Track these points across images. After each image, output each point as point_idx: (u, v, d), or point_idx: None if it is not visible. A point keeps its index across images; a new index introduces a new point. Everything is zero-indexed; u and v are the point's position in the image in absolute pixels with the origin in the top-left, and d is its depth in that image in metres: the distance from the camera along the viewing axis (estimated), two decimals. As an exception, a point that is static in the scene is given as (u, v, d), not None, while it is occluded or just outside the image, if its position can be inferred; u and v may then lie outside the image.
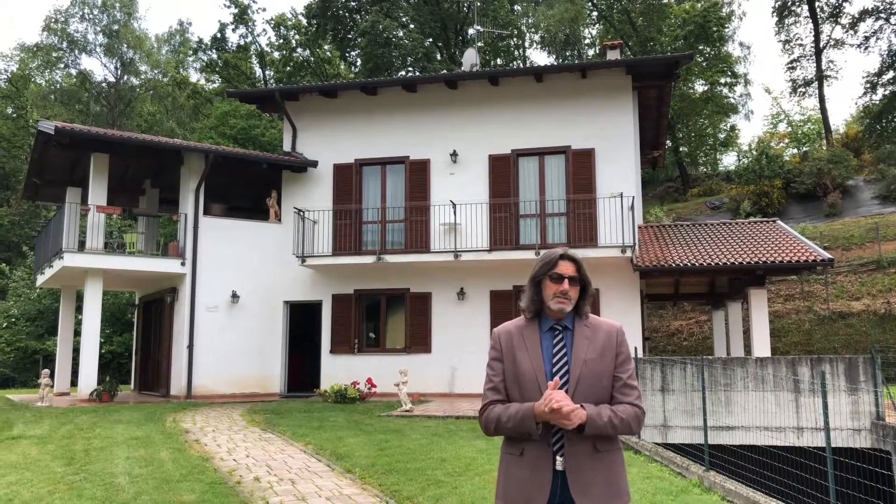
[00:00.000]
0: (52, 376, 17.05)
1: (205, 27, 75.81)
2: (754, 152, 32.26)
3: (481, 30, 34.63)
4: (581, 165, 16.51)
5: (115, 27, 51.20)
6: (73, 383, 18.56)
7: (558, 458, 2.60)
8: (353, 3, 38.63)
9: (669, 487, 7.33)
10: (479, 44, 37.01)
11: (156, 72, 53.03)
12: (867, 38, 35.22)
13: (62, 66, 51.54)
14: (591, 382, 2.63)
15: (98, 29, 51.28)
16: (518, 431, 2.62)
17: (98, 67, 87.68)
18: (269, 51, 43.59)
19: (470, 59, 20.40)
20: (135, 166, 18.43)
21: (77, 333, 18.54)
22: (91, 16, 50.99)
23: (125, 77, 52.43)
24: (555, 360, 2.67)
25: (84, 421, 11.77)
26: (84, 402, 15.11)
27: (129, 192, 20.10)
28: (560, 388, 2.62)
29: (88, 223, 16.00)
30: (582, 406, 2.54)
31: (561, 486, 2.61)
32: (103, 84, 51.95)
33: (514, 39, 42.75)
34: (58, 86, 51.21)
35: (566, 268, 2.71)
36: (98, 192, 16.23)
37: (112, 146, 16.33)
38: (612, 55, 18.67)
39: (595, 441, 2.62)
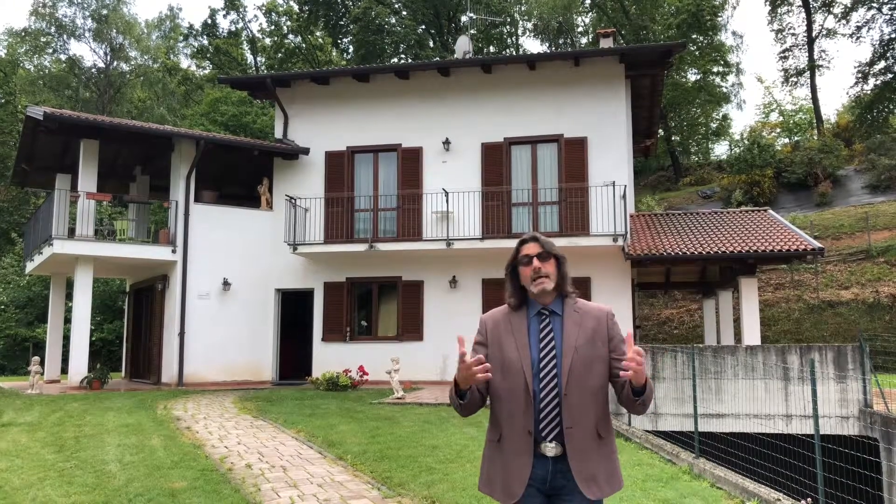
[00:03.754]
0: (42, 364, 16.97)
1: (195, 13, 75.11)
2: (746, 142, 32.32)
3: (474, 17, 34.49)
4: (573, 154, 16.50)
5: (105, 12, 50.60)
6: (64, 371, 18.49)
7: (549, 444, 2.59)
8: (345, -10, 38.40)
9: (660, 474, 7.38)
10: (472, 31, 36.88)
11: (146, 58, 52.50)
12: (859, 28, 35.30)
13: (51, 51, 50.94)
14: (583, 369, 2.61)
15: (87, 14, 50.69)
16: (452, 401, 2.71)
17: (87, 53, 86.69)
18: (261, 37, 43.24)
19: (462, 46, 20.28)
20: (125, 153, 18.30)
21: (67, 321, 18.45)
22: (79, 0, 50.39)
23: (115, 63, 51.88)
24: (542, 346, 2.66)
25: (75, 408, 11.73)
26: (75, 389, 15.07)
27: (120, 178, 19.97)
28: (550, 374, 2.62)
29: (78, 210, 15.89)
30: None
31: (552, 473, 2.59)
32: (93, 70, 51.41)
33: (507, 27, 42.56)
34: (46, 71, 50.61)
35: (530, 248, 2.76)
36: (88, 179, 16.12)
37: (102, 132, 16.20)
38: (606, 43, 18.62)
39: (598, 426, 2.63)
